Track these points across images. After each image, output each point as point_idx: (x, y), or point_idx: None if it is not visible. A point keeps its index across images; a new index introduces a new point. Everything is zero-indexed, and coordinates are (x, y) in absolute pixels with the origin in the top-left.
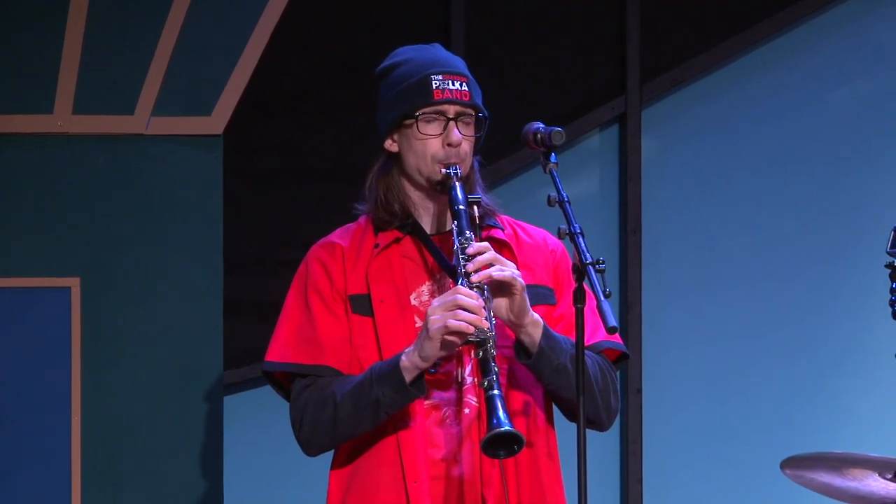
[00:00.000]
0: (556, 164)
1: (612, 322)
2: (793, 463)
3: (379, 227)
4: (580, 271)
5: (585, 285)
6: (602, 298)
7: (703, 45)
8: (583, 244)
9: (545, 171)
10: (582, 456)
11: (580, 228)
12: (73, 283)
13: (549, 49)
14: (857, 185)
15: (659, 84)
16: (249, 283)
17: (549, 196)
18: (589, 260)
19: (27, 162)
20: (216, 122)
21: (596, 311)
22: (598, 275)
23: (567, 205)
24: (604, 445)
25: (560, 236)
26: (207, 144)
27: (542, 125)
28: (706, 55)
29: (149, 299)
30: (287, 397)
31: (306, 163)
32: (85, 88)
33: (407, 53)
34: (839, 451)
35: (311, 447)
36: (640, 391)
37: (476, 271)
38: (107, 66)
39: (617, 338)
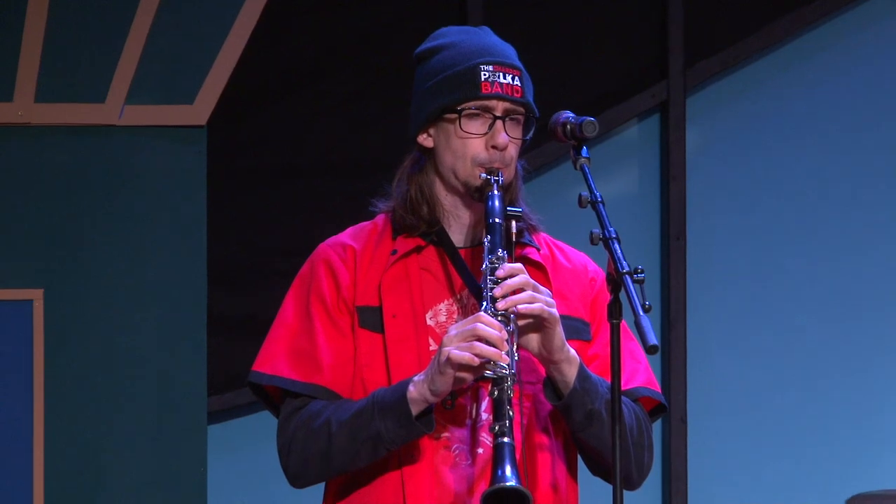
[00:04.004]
0: (589, 159)
1: (652, 340)
2: (861, 501)
3: (399, 231)
4: (615, 282)
5: (622, 298)
6: (640, 313)
7: (754, 25)
8: (618, 251)
9: (576, 168)
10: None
11: (615, 233)
12: (36, 296)
13: (580, 27)
14: None
15: (705, 68)
16: (236, 296)
17: (580, 196)
18: (626, 269)
19: None
20: (199, 111)
21: (633, 353)
22: (636, 286)
23: (601, 206)
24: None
25: (593, 241)
26: (190, 137)
27: (572, 115)
28: (758, 35)
29: (122, 315)
30: (275, 413)
31: (301, 159)
32: (48, 73)
33: (452, 36)
34: None
35: (298, 479)
36: (684, 420)
37: (503, 297)
38: (74, 47)
39: (655, 385)
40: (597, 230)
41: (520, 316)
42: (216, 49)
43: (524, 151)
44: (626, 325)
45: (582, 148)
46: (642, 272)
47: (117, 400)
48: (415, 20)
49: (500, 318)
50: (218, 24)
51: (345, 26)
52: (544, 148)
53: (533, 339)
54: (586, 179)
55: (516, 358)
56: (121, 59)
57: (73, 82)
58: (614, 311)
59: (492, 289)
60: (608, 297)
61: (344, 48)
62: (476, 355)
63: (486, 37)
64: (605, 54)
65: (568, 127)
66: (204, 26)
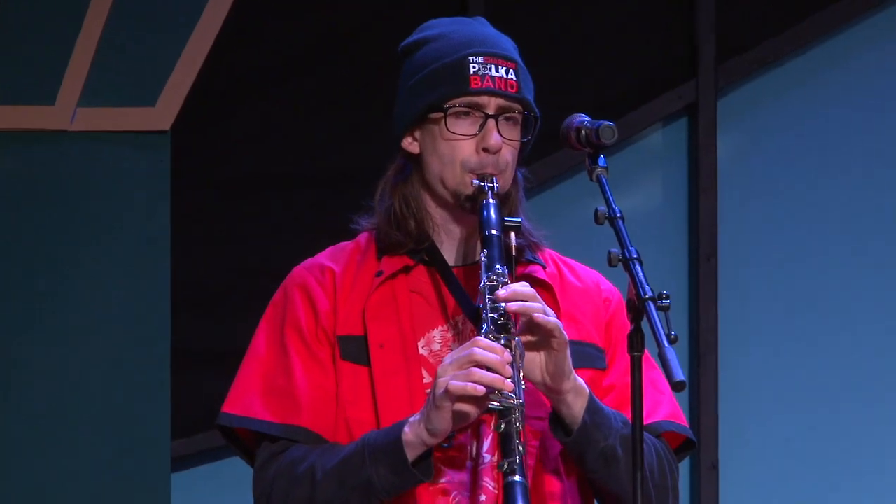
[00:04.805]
0: (606, 168)
1: (679, 376)
2: None
3: (384, 250)
4: (637, 309)
5: (644, 327)
6: (665, 345)
7: (795, 16)
8: (640, 273)
9: (591, 179)
10: None
11: (637, 253)
12: None
13: (596, 20)
14: None
15: (739, 65)
16: (205, 324)
17: (596, 210)
18: (648, 294)
19: None
20: (162, 114)
21: (656, 383)
22: (661, 313)
23: (620, 222)
24: None
25: (611, 263)
26: (151, 143)
27: (587, 118)
28: (799, 28)
29: (73, 345)
30: (250, 461)
31: (278, 168)
32: None
33: (441, 27)
34: None
35: None
36: (715, 466)
37: (513, 300)
38: (19, 44)
39: (681, 419)
40: (616, 250)
41: (531, 328)
42: (181, 45)
43: (528, 159)
44: (648, 352)
45: (599, 156)
46: (667, 298)
47: (68, 443)
48: (409, 15)
49: (501, 342)
50: (183, 16)
51: (328, 21)
52: (556, 156)
53: (536, 367)
54: (604, 192)
55: (523, 386)
56: (73, 55)
57: (19, 83)
58: (635, 342)
59: (491, 309)
60: (626, 320)
61: (327, 45)
62: (476, 383)
63: (479, 27)
64: (625, 50)
65: (583, 132)
66: (167, 19)
